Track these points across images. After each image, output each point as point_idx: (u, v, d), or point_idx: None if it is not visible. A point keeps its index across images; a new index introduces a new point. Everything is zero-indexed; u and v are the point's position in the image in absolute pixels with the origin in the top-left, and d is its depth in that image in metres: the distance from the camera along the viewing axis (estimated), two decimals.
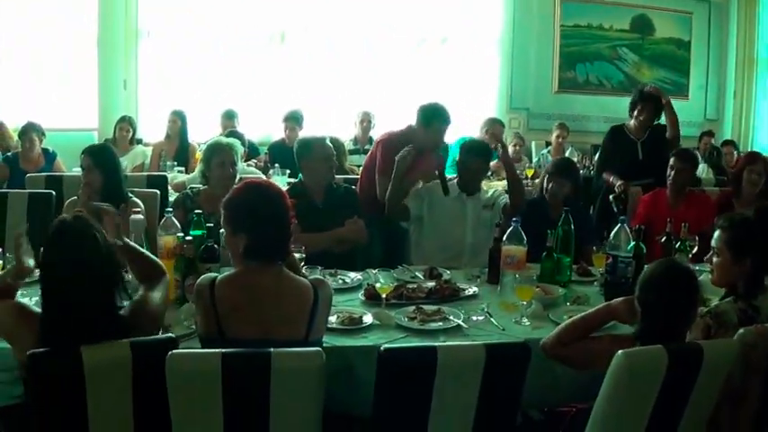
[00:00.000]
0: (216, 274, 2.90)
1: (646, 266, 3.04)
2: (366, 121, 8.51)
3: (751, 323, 2.92)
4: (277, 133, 8.52)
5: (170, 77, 9.77)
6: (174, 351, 2.34)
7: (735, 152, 9.60)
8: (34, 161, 6.94)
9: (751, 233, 3.14)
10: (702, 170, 8.66)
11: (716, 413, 2.77)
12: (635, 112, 6.37)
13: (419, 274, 4.28)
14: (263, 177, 6.30)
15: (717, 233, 3.23)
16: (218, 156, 4.70)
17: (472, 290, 3.98)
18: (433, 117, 5.16)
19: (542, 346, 3.06)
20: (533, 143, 10.16)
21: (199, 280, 2.87)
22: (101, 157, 4.50)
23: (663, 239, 4.48)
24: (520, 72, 10.53)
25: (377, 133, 7.45)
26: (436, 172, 5.08)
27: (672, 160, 5.37)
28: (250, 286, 2.78)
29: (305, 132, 7.47)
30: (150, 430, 2.49)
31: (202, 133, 7.83)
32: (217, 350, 2.43)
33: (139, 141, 8.32)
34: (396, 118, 5.51)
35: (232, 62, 9.82)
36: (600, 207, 6.29)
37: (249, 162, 7.34)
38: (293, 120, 8.20)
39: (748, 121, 10.99)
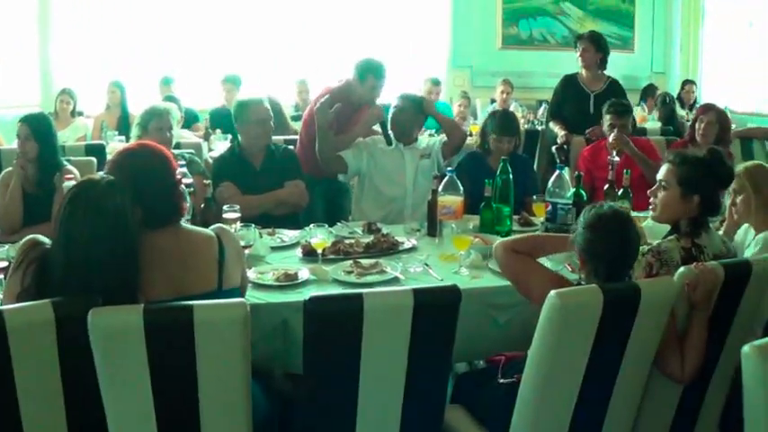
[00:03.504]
0: None
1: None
2: (304, 91, 8.69)
3: (695, 262, 2.89)
4: (217, 100, 8.43)
5: (109, 48, 9.66)
6: (96, 308, 2.28)
7: (695, 89, 10.03)
8: None
9: (703, 171, 3.13)
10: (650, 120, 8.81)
11: (663, 353, 2.75)
12: (578, 59, 6.26)
13: (357, 230, 4.25)
14: (201, 143, 6.33)
15: (666, 167, 3.21)
16: (156, 121, 4.68)
17: (411, 242, 3.96)
18: (368, 72, 5.13)
19: (496, 243, 3.10)
20: (478, 101, 10.11)
21: None
22: (38, 126, 4.44)
23: (606, 187, 4.47)
24: (463, 29, 10.53)
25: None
26: (378, 126, 5.04)
27: (609, 117, 5.28)
28: (149, 249, 2.66)
29: (243, 95, 7.42)
30: (80, 391, 2.42)
31: (142, 102, 7.71)
32: (139, 305, 2.37)
33: (80, 114, 8.25)
34: (337, 77, 5.45)
35: (169, 29, 9.78)
36: (551, 156, 6.27)
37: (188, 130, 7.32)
38: (230, 81, 8.18)
39: (695, 74, 11.01)
